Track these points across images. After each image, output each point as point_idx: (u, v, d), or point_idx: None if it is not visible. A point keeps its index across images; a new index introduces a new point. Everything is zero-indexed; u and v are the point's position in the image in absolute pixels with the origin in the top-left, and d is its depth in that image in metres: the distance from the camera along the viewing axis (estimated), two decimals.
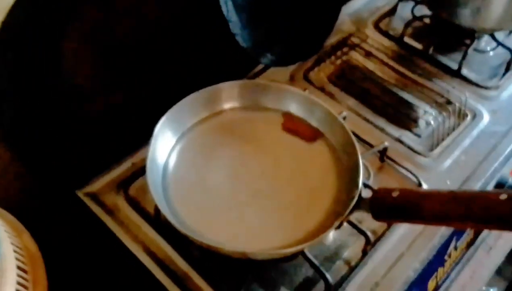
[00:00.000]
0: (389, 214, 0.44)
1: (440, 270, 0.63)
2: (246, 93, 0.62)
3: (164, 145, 0.58)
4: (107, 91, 0.65)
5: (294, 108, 0.62)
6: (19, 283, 0.46)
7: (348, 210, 0.49)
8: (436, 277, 0.63)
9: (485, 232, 0.75)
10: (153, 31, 0.66)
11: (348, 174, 0.56)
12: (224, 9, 0.62)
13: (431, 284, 0.62)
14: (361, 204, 0.50)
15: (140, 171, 0.63)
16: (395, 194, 0.44)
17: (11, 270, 0.46)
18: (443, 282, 0.67)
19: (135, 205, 0.60)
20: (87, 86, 0.63)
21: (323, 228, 0.51)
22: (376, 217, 0.46)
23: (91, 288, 0.56)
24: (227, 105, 0.63)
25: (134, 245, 0.56)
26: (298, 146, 0.60)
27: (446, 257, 0.64)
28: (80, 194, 0.61)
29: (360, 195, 0.51)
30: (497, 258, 0.79)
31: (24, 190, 0.63)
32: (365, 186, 0.55)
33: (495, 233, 0.78)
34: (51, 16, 0.57)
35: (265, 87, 0.63)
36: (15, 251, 0.48)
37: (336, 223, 0.49)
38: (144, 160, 0.63)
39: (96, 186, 0.62)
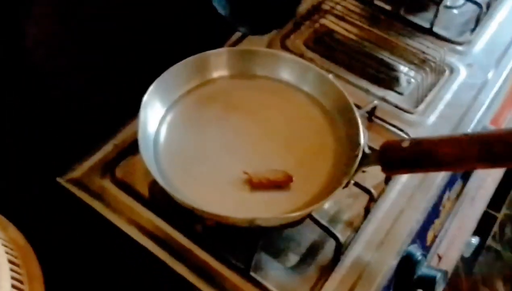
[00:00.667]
0: (402, 164, 0.44)
1: (437, 221, 0.64)
2: (235, 60, 0.60)
3: (153, 116, 0.56)
4: (78, 70, 0.60)
5: (286, 74, 0.60)
6: (13, 278, 0.42)
7: (355, 167, 0.49)
8: (433, 228, 0.64)
9: (469, 183, 0.77)
10: (123, 5, 0.62)
11: (345, 133, 0.55)
12: None
13: (430, 236, 0.63)
14: (367, 159, 0.49)
15: (124, 151, 0.60)
16: (405, 144, 0.43)
17: (4, 264, 0.42)
18: (439, 233, 0.68)
19: (124, 186, 0.56)
20: (56, 67, 0.59)
21: (327, 190, 0.50)
22: (387, 169, 0.46)
23: (88, 278, 0.53)
24: (216, 74, 0.60)
25: (129, 228, 0.53)
26: (291, 112, 0.59)
27: (441, 208, 0.65)
28: (62, 181, 0.56)
29: (364, 151, 0.50)
30: (480, 208, 0.82)
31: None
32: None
33: (477, 183, 0.80)
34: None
35: (255, 53, 0.61)
36: (3, 245, 0.44)
37: (344, 181, 0.48)
38: (127, 140, 0.61)
39: (79, 171, 0.58)
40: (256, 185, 0.51)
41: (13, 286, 0.41)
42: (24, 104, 0.57)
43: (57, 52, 0.59)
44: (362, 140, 0.51)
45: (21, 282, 0.42)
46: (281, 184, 0.51)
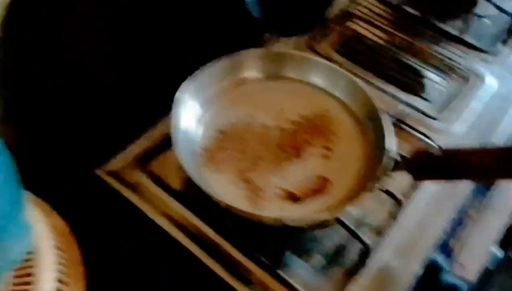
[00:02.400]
0: (432, 172, 0.45)
1: (461, 230, 0.65)
2: (268, 62, 0.62)
3: (186, 113, 0.57)
4: (118, 65, 0.63)
5: (317, 78, 0.62)
6: (58, 263, 0.45)
7: (382, 173, 0.50)
8: (458, 237, 0.64)
9: (494, 192, 0.78)
10: (157, 6, 0.64)
11: (374, 139, 0.57)
12: None
13: (454, 243, 0.64)
14: (396, 165, 0.50)
15: (159, 146, 0.62)
16: (438, 153, 0.44)
17: (50, 248, 0.45)
18: (463, 242, 0.69)
19: (158, 180, 0.59)
20: (97, 62, 0.61)
21: (355, 194, 0.52)
22: (417, 176, 0.47)
23: (122, 266, 0.55)
24: (248, 74, 0.62)
25: (162, 220, 0.55)
26: (320, 116, 0.60)
27: (466, 217, 0.65)
28: (100, 172, 0.59)
29: (392, 157, 0.51)
30: (504, 219, 0.82)
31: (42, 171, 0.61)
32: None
33: (501, 193, 0.80)
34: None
35: (287, 56, 0.62)
36: (48, 231, 0.47)
37: (371, 185, 0.50)
38: (162, 135, 0.63)
39: (116, 164, 0.60)
40: (302, 197, 0.52)
41: (58, 271, 0.44)
42: (64, 99, 0.59)
43: (95, 48, 0.61)
44: (393, 146, 0.52)
45: (65, 266, 0.45)
46: (321, 189, 0.53)
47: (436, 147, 0.63)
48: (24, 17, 0.53)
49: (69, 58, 0.59)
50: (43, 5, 0.54)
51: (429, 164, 0.45)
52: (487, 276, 0.64)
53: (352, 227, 0.52)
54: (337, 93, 0.61)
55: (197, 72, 0.58)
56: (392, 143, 0.53)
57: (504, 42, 0.80)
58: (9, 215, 0.39)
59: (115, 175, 0.59)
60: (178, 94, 0.57)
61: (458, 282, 0.55)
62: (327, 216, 0.49)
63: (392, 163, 0.50)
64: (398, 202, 0.55)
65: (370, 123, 0.58)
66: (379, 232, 0.56)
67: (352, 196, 0.52)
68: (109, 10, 0.60)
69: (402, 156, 0.51)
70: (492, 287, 0.73)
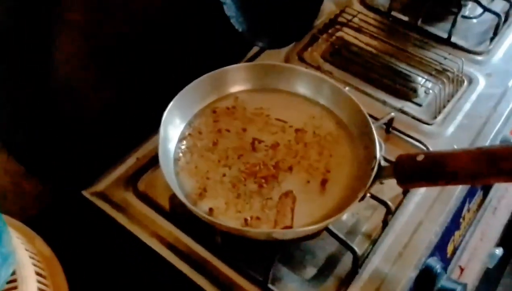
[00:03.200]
0: (416, 177, 0.44)
1: (457, 233, 0.64)
2: (252, 75, 0.61)
3: (173, 132, 0.57)
4: (103, 87, 0.62)
5: (302, 87, 0.61)
6: (40, 289, 0.44)
7: (371, 180, 0.49)
8: (453, 240, 0.64)
9: (491, 193, 0.76)
10: (144, 24, 0.64)
11: (361, 146, 0.56)
12: None
13: (450, 248, 0.63)
14: (382, 172, 0.49)
15: (146, 165, 0.62)
16: (420, 158, 0.43)
17: (31, 277, 0.44)
18: (459, 245, 0.68)
19: (146, 199, 0.58)
20: (81, 83, 0.61)
21: (344, 203, 0.51)
22: (402, 182, 0.46)
23: (110, 289, 0.54)
24: (234, 89, 0.61)
25: (151, 240, 0.55)
26: (308, 125, 0.59)
27: (461, 220, 0.64)
28: (86, 193, 0.59)
29: (379, 163, 0.50)
30: (502, 218, 0.80)
31: (26, 194, 0.60)
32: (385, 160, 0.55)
33: (498, 194, 0.79)
34: (39, 15, 0.55)
35: (271, 68, 0.62)
36: (31, 257, 0.46)
37: (360, 194, 0.49)
38: (148, 154, 0.62)
39: (102, 184, 0.59)
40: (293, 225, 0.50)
41: None
42: (49, 118, 0.59)
43: (82, 67, 0.61)
44: (377, 153, 0.51)
45: None
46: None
47: (422, 151, 0.62)
48: (13, 34, 0.53)
49: (57, 77, 0.59)
50: (33, 21, 0.54)
51: (412, 170, 0.44)
52: (487, 276, 0.63)
53: (342, 236, 0.51)
54: (323, 102, 0.61)
55: (183, 90, 0.58)
56: (378, 151, 0.51)
57: (491, 40, 0.79)
58: None
59: (102, 195, 0.58)
60: (165, 114, 0.56)
61: (453, 286, 0.53)
62: (316, 228, 0.48)
63: (382, 171, 0.49)
64: (389, 208, 0.54)
65: (358, 131, 0.57)
66: (372, 239, 0.55)
67: (342, 205, 0.51)
68: (97, 30, 0.60)
69: (388, 161, 0.50)
70: (493, 287, 0.71)
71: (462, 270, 0.69)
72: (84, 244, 0.56)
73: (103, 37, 0.61)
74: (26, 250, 0.46)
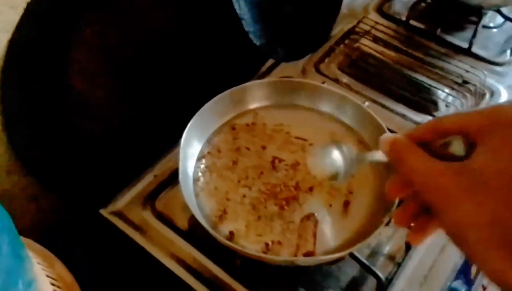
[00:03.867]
0: None
1: None
2: (273, 91, 0.60)
3: (192, 151, 0.56)
4: (120, 103, 0.62)
5: (323, 104, 0.60)
6: None
7: (396, 204, 0.48)
8: None
9: None
10: (161, 40, 0.63)
11: (385, 168, 0.54)
12: (236, 7, 0.59)
13: (474, 268, 0.61)
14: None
15: (164, 182, 0.61)
16: None
17: None
18: None
19: (164, 219, 0.57)
20: (98, 100, 0.60)
21: (368, 226, 0.50)
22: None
23: None
24: (253, 105, 0.60)
25: (170, 261, 0.54)
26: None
27: None
28: (104, 212, 0.58)
29: None
30: None
31: (45, 214, 0.60)
32: None
33: None
34: (56, 34, 0.54)
35: (292, 84, 0.60)
36: (52, 284, 0.45)
37: (386, 219, 0.47)
38: (166, 171, 0.62)
39: (120, 203, 0.59)
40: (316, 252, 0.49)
41: None
42: (66, 135, 0.58)
43: (99, 85, 0.60)
44: None
45: None
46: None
47: None
48: (31, 51, 0.52)
49: (71, 98, 0.58)
50: (50, 38, 0.53)
51: None
52: None
53: (366, 262, 0.50)
54: (345, 119, 0.60)
55: (203, 108, 0.57)
56: None
57: None
58: (12, 271, 0.38)
59: (120, 214, 0.58)
60: (185, 134, 0.55)
61: None
62: (340, 256, 0.47)
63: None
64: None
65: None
66: (395, 261, 0.54)
67: (367, 228, 0.50)
68: (115, 47, 0.59)
69: None
70: None
71: (484, 289, 0.68)
72: (102, 266, 0.55)
73: (120, 54, 0.60)
74: (48, 276, 0.45)
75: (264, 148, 0.58)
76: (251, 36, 0.63)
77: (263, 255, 0.46)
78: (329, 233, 0.50)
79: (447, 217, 0.29)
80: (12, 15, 0.50)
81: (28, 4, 0.51)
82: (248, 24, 0.62)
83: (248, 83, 0.60)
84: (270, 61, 0.75)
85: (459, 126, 0.31)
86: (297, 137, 0.59)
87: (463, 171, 0.29)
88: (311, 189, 0.54)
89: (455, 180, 0.28)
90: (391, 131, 0.64)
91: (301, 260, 0.46)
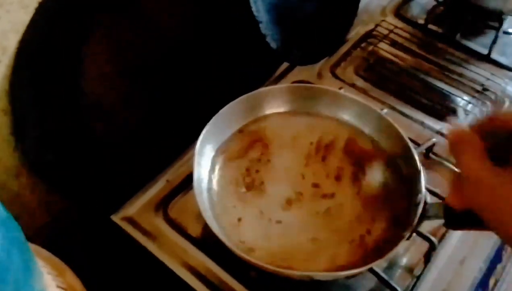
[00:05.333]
0: (470, 222, 0.41)
1: (499, 266, 0.61)
2: (290, 97, 0.58)
3: (206, 159, 0.54)
4: (133, 107, 0.60)
5: (342, 112, 0.58)
6: None
7: (416, 219, 0.46)
8: (496, 273, 0.61)
9: None
10: (174, 44, 0.62)
11: (406, 180, 0.53)
12: (254, 10, 0.58)
13: (492, 281, 0.60)
14: (429, 210, 0.46)
15: (176, 188, 0.59)
16: None
17: None
18: (500, 276, 0.65)
19: (177, 226, 0.56)
20: (111, 103, 0.59)
21: (388, 240, 0.48)
22: (451, 225, 0.43)
23: None
24: (269, 111, 0.59)
25: (182, 270, 0.52)
26: (346, 151, 0.57)
27: (503, 252, 0.61)
28: (116, 218, 0.57)
29: (425, 201, 0.48)
30: None
31: (54, 218, 0.59)
32: (428, 191, 0.52)
33: None
34: (68, 34, 0.53)
35: (314, 91, 0.59)
36: None
37: (407, 233, 0.46)
38: (178, 176, 0.60)
39: (132, 208, 0.57)
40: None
41: None
42: (78, 139, 0.57)
43: (112, 88, 0.59)
44: (423, 187, 0.49)
45: None
46: None
47: None
48: (44, 53, 0.51)
49: (83, 101, 0.57)
50: (63, 40, 0.52)
51: (468, 213, 0.40)
52: None
53: (385, 276, 0.48)
54: (363, 128, 0.58)
55: (217, 114, 0.55)
56: (423, 186, 0.49)
57: None
58: (22, 284, 0.37)
59: (131, 221, 0.56)
60: (199, 142, 0.53)
61: None
62: (359, 271, 0.45)
63: (428, 209, 0.46)
64: (433, 245, 0.51)
65: (401, 162, 0.54)
66: (413, 274, 0.53)
67: (386, 244, 0.48)
68: (128, 48, 0.58)
69: (433, 194, 0.47)
70: None
71: None
72: (110, 269, 0.54)
73: (133, 55, 0.59)
74: (58, 286, 0.44)
75: (278, 156, 0.56)
76: (268, 39, 0.61)
77: (281, 270, 0.44)
78: (348, 244, 0.49)
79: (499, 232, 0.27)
80: (22, 15, 0.49)
81: (40, 4, 0.50)
82: (265, 28, 0.60)
83: (266, 88, 0.58)
84: (284, 65, 0.74)
85: None
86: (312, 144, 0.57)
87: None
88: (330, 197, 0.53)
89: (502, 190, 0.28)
90: (410, 140, 0.62)
91: (320, 275, 0.45)
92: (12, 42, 0.49)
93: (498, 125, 0.33)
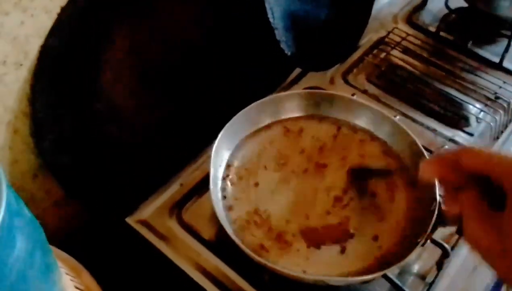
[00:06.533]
0: None
1: None
2: (305, 103, 0.59)
3: (221, 165, 0.55)
4: (148, 110, 0.61)
5: (358, 119, 0.59)
6: None
7: (431, 225, 0.47)
8: None
9: None
10: (190, 48, 0.62)
11: (419, 187, 0.53)
12: (270, 16, 0.59)
13: (504, 289, 0.60)
14: (443, 217, 0.47)
15: (191, 192, 0.60)
16: None
17: None
18: None
19: (191, 229, 0.56)
20: (126, 107, 0.60)
21: (402, 246, 0.49)
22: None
23: None
24: (283, 116, 0.59)
25: (196, 273, 0.53)
26: (361, 158, 0.57)
27: None
28: (130, 221, 0.57)
29: (440, 207, 0.48)
30: None
31: (69, 220, 0.59)
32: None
33: None
34: (88, 41, 0.54)
35: (329, 98, 0.59)
36: None
37: (421, 240, 0.46)
38: (192, 180, 0.61)
39: (146, 211, 0.58)
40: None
41: None
42: (94, 142, 0.58)
43: (127, 92, 0.60)
44: (437, 194, 0.49)
45: None
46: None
47: None
48: (62, 57, 0.52)
49: (100, 104, 0.58)
50: (82, 44, 0.53)
51: None
52: None
53: (399, 282, 0.48)
54: (378, 134, 0.58)
55: (232, 119, 0.56)
56: (438, 193, 0.49)
57: None
58: (43, 283, 0.37)
59: (146, 224, 0.57)
60: (215, 147, 0.54)
61: None
62: (373, 277, 0.45)
63: (443, 216, 0.47)
64: (446, 252, 0.51)
65: (414, 167, 0.55)
66: (426, 281, 0.53)
67: (400, 247, 0.48)
68: (146, 54, 0.59)
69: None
70: None
71: None
72: (124, 271, 0.54)
73: (151, 61, 0.60)
74: (76, 287, 0.45)
75: (294, 162, 0.57)
76: (282, 45, 0.62)
77: (296, 274, 0.45)
78: (361, 251, 0.49)
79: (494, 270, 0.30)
80: (46, 19, 0.50)
81: (63, 9, 0.51)
82: (280, 34, 0.61)
83: (281, 94, 0.59)
84: (297, 71, 0.74)
85: (482, 168, 0.32)
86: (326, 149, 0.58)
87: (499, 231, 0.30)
88: (344, 207, 0.53)
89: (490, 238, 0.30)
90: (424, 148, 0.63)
91: (334, 280, 0.45)
92: (34, 46, 0.50)
93: (482, 169, 0.33)
